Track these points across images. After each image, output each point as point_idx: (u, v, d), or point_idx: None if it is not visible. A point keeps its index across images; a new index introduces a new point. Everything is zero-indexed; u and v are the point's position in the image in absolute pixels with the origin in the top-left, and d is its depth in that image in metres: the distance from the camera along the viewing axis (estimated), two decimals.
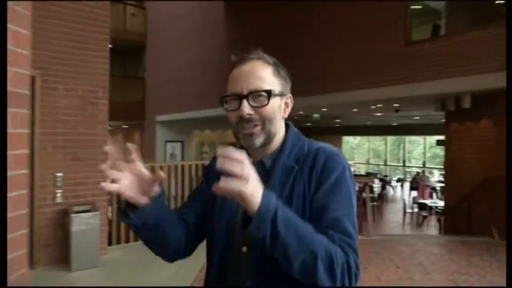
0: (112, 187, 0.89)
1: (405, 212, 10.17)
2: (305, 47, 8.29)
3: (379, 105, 7.91)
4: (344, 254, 0.89)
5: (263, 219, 0.81)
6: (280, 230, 0.82)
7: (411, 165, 21.28)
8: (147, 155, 14.31)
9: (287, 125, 1.12)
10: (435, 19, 7.28)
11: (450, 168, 7.28)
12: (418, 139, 21.88)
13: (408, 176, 19.19)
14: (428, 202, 9.73)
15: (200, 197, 1.15)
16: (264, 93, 1.00)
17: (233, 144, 1.18)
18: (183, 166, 6.01)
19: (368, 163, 23.07)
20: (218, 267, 1.04)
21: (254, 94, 1.00)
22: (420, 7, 7.20)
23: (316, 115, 11.00)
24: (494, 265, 4.42)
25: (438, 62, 6.01)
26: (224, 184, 0.77)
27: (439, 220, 9.47)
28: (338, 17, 7.60)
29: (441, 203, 9.20)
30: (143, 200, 0.92)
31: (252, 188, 0.80)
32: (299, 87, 7.17)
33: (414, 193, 13.13)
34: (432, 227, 9.53)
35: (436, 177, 16.49)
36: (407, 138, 21.98)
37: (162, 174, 0.92)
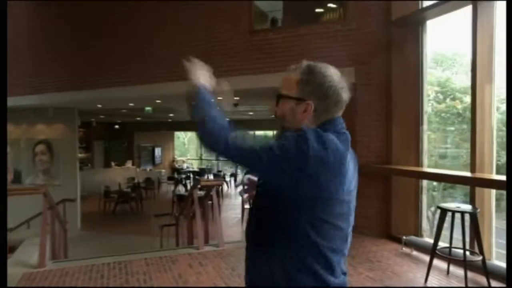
0: None
1: (243, 208, 10.09)
2: (138, 29, 7.13)
3: (219, 98, 7.38)
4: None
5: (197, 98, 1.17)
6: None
7: None
8: None
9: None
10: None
11: None
12: None
13: (239, 170, 19.75)
14: None
15: None
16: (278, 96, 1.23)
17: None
18: None
19: (201, 158, 22.91)
20: None
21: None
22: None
23: (148, 108, 9.87)
24: None
25: (282, 54, 5.82)
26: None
27: None
28: (175, 3, 6.75)
29: None
30: None
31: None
32: (125, 74, 5.98)
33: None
34: None
35: None
36: None
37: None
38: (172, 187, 14.79)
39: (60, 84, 7.79)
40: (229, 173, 16.79)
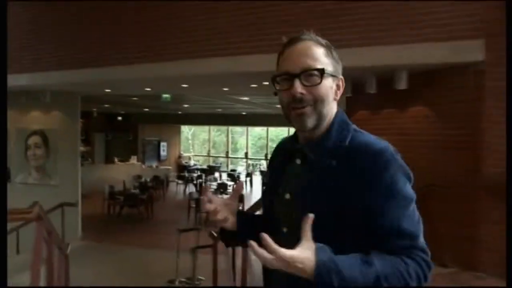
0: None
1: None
2: None
3: (265, 83, 5.84)
4: (414, 261, 0.93)
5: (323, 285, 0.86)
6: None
7: (255, 158, 20.49)
8: None
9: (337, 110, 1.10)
10: None
11: None
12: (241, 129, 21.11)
13: (251, 169, 18.18)
14: None
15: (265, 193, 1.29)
16: (316, 72, 1.02)
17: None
18: None
19: (209, 155, 21.32)
20: None
21: (306, 73, 1.02)
22: None
23: (166, 96, 8.27)
24: None
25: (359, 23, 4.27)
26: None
27: None
28: None
29: None
30: (230, 222, 1.09)
31: (299, 267, 0.85)
32: (144, 49, 3.98)
33: None
34: None
35: None
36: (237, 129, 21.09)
37: (240, 184, 1.15)
38: (182, 187, 13.25)
39: (60, 60, 6.18)
40: (244, 173, 15.22)
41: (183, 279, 5.55)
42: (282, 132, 20.53)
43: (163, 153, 17.55)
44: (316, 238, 0.92)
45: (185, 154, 20.32)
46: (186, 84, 6.29)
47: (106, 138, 15.94)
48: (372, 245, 0.95)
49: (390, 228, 0.94)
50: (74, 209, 7.33)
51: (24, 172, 7.88)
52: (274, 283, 1.10)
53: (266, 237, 0.83)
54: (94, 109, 13.94)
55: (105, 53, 5.86)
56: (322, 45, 1.05)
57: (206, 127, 21.69)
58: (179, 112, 15.24)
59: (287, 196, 1.09)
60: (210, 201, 1.06)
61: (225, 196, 9.09)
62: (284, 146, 1.20)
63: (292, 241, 0.90)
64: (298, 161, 1.10)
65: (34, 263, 2.71)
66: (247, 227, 1.13)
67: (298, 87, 1.00)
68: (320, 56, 1.03)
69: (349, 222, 0.97)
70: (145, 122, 16.60)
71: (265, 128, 18.97)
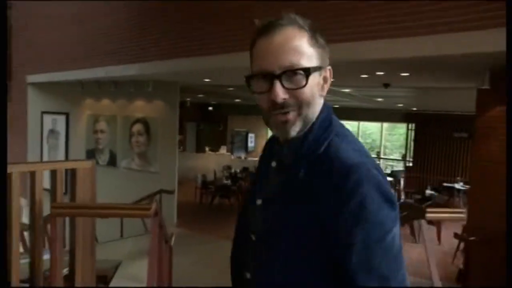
0: None
1: None
2: None
3: (379, 73, 5.22)
4: None
5: None
6: None
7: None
8: (16, 131, 9.91)
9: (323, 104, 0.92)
10: None
11: (478, 177, 4.93)
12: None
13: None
14: None
15: None
16: (301, 72, 0.84)
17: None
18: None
19: None
20: (239, 252, 1.03)
21: (288, 73, 0.84)
22: None
23: None
24: None
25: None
26: None
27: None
28: None
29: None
30: None
31: None
32: (248, 37, 3.52)
33: None
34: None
35: None
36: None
37: None
38: None
39: (165, 50, 6.20)
40: None
41: None
42: (371, 128, 19.41)
43: (250, 144, 17.61)
44: (272, 256, 0.87)
45: None
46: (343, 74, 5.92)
47: (197, 128, 16.41)
48: (339, 280, 0.81)
49: (357, 263, 0.78)
50: (170, 196, 7.48)
51: (128, 158, 8.25)
52: None
53: None
54: (188, 99, 14.35)
55: (208, 42, 5.73)
56: (304, 30, 0.87)
57: None
58: None
59: (259, 202, 0.97)
60: None
61: None
62: (271, 145, 1.03)
63: (260, 251, 0.84)
64: (274, 164, 0.98)
65: (151, 259, 2.57)
66: None
67: (280, 92, 0.85)
68: (304, 47, 0.86)
69: (310, 246, 0.82)
70: (235, 113, 16.77)
71: (355, 122, 18.02)
